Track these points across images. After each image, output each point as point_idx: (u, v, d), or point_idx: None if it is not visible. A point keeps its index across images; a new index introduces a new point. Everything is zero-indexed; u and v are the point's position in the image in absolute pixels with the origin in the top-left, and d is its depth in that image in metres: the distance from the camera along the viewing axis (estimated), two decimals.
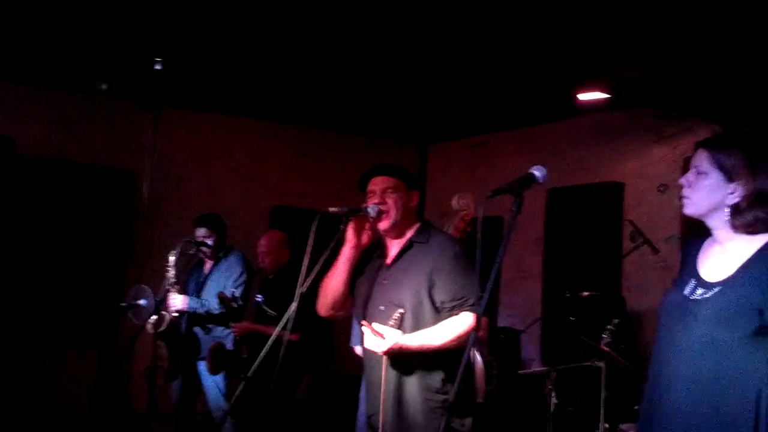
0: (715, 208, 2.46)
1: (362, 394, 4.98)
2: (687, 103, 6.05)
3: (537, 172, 2.50)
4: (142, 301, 5.77)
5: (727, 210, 2.44)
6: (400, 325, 3.19)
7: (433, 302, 3.27)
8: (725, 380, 2.31)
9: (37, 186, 6.92)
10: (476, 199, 4.36)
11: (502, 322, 7.64)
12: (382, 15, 4.83)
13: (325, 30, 5.23)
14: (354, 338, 4.96)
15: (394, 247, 3.45)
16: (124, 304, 5.84)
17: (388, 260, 3.43)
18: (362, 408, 4.93)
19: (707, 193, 2.46)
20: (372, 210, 3.34)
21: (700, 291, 2.45)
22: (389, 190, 3.38)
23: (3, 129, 6.51)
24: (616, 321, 4.94)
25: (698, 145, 2.55)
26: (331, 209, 3.25)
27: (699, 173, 2.48)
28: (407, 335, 3.18)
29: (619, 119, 7.01)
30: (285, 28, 5.27)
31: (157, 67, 5.84)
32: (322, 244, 3.19)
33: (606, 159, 7.18)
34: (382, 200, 3.36)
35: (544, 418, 5.19)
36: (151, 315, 5.22)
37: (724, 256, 2.46)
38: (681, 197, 2.52)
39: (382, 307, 3.30)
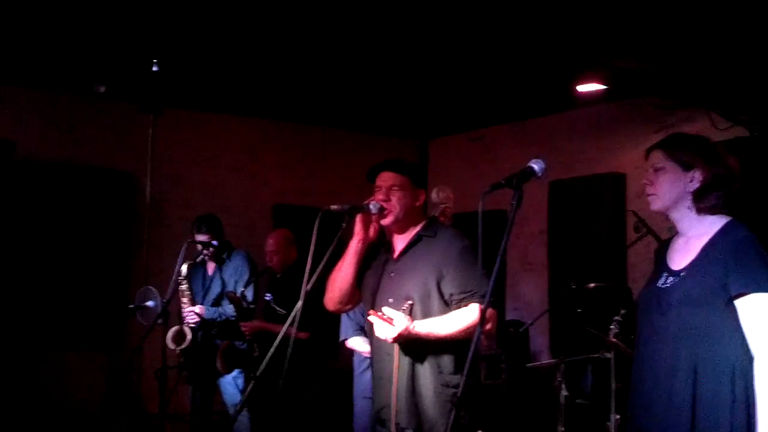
0: (678, 198, 2.66)
1: (357, 391, 4.99)
2: (686, 93, 6.05)
3: (535, 165, 2.51)
4: (149, 303, 5.80)
5: (689, 198, 2.64)
6: (409, 315, 3.20)
7: (441, 294, 3.29)
8: (702, 362, 2.48)
9: (39, 189, 6.92)
10: (477, 192, 4.35)
11: (509, 315, 7.64)
12: (381, 11, 4.82)
13: (323, 27, 5.22)
14: (343, 332, 4.96)
15: (399, 242, 3.46)
16: (132, 306, 5.87)
17: (395, 255, 3.44)
18: (359, 407, 4.94)
19: (669, 186, 2.66)
20: (374, 207, 3.35)
21: (669, 279, 2.64)
22: (395, 188, 3.38)
23: (3, 133, 6.52)
24: (623, 311, 4.92)
25: (650, 149, 2.75)
26: (333, 207, 3.25)
27: (657, 170, 2.69)
28: (416, 321, 3.19)
29: (619, 110, 7.00)
30: (283, 26, 5.27)
31: (155, 68, 5.84)
32: (324, 241, 3.19)
33: (607, 150, 7.17)
34: (386, 197, 3.37)
35: (554, 411, 5.18)
36: (159, 317, 5.24)
37: (687, 245, 2.66)
38: (647, 196, 2.72)
39: (390, 300, 3.31)
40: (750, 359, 2.44)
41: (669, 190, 2.66)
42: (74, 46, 5.81)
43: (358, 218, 3.38)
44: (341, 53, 5.84)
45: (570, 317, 6.30)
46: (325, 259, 3.20)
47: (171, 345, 5.58)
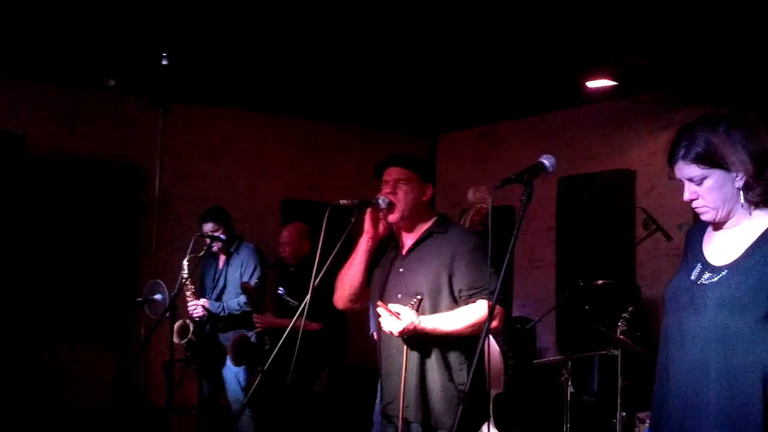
0: (729, 201, 2.39)
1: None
2: (695, 89, 6.02)
3: (546, 161, 2.50)
4: (157, 296, 5.85)
5: (740, 194, 2.37)
6: (417, 310, 3.21)
7: (451, 291, 3.30)
8: (736, 365, 2.28)
9: (48, 183, 6.94)
10: (491, 190, 4.37)
11: (516, 312, 7.63)
12: (390, 5, 4.81)
13: (332, 22, 5.22)
14: (373, 325, 4.97)
15: (407, 238, 3.46)
16: (140, 299, 5.91)
17: (404, 251, 3.44)
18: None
19: (719, 192, 2.39)
20: (382, 201, 3.35)
21: (707, 275, 2.41)
22: (401, 182, 3.38)
23: (13, 126, 6.53)
24: (631, 309, 4.90)
25: (672, 162, 2.47)
26: (342, 202, 3.25)
27: (697, 182, 2.41)
28: (423, 317, 3.19)
29: (628, 106, 6.98)
30: (292, 21, 5.27)
31: (165, 62, 5.85)
32: (333, 236, 3.19)
33: (615, 147, 7.15)
34: (393, 191, 3.36)
35: (560, 408, 5.18)
36: (167, 311, 5.26)
37: (729, 240, 2.42)
38: (696, 210, 2.45)
39: (399, 295, 3.31)
40: None
41: (721, 197, 2.39)
42: (84, 39, 5.81)
43: (367, 215, 3.38)
44: (350, 48, 5.83)
45: (577, 314, 6.29)
46: (334, 253, 3.21)
47: (176, 339, 5.60)
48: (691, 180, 2.42)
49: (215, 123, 7.89)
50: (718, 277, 2.37)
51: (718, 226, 2.47)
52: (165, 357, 5.43)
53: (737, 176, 2.36)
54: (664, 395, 2.44)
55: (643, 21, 4.79)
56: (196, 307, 5.71)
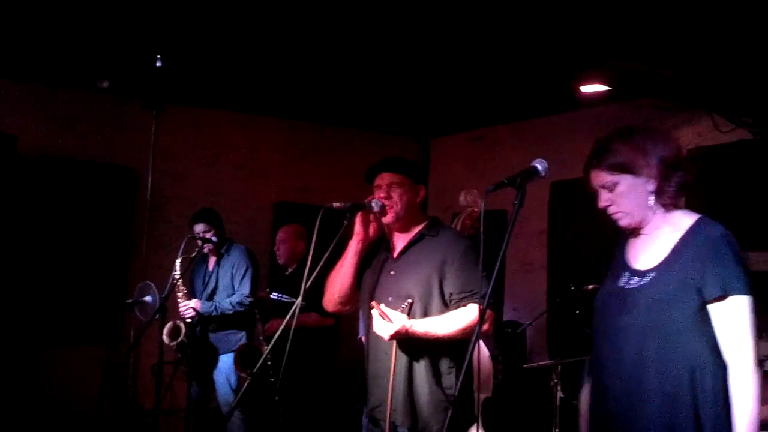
0: (643, 206, 2.52)
1: None
2: (689, 94, 6.03)
3: (539, 165, 2.51)
4: (147, 298, 5.83)
5: (652, 198, 2.49)
6: (408, 313, 3.20)
7: (442, 294, 3.29)
8: (669, 358, 2.39)
9: (40, 184, 6.92)
10: (483, 194, 4.37)
11: (507, 316, 7.63)
12: (383, 8, 4.82)
13: (325, 25, 5.22)
14: (362, 329, 4.95)
15: (399, 240, 3.46)
16: (130, 301, 5.89)
17: (395, 253, 3.44)
18: None
19: (630, 197, 2.52)
20: (375, 205, 3.35)
21: (635, 279, 2.52)
22: (394, 186, 3.39)
23: (5, 127, 6.51)
24: None
25: (586, 171, 2.60)
26: (335, 204, 3.26)
27: (609, 188, 2.55)
28: (414, 320, 3.19)
29: (620, 111, 6.97)
30: (286, 24, 5.27)
31: (158, 64, 5.84)
32: (326, 239, 3.19)
33: None
34: (387, 195, 3.37)
35: (550, 412, 5.18)
36: (157, 313, 5.25)
37: (652, 245, 2.53)
38: (612, 216, 2.58)
39: (390, 298, 3.31)
40: (714, 359, 2.36)
41: (633, 202, 2.52)
42: (77, 40, 5.80)
43: (358, 218, 3.38)
44: (344, 51, 5.83)
45: (568, 319, 6.28)
46: (326, 255, 3.20)
47: (167, 340, 5.59)
48: (604, 187, 2.55)
49: (209, 125, 7.87)
50: (647, 279, 2.48)
51: (638, 233, 2.59)
52: (154, 359, 5.41)
53: (648, 181, 2.48)
54: (606, 386, 2.52)
55: (638, 25, 4.80)
56: (188, 308, 5.70)
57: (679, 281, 2.41)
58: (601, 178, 2.55)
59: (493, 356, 5.58)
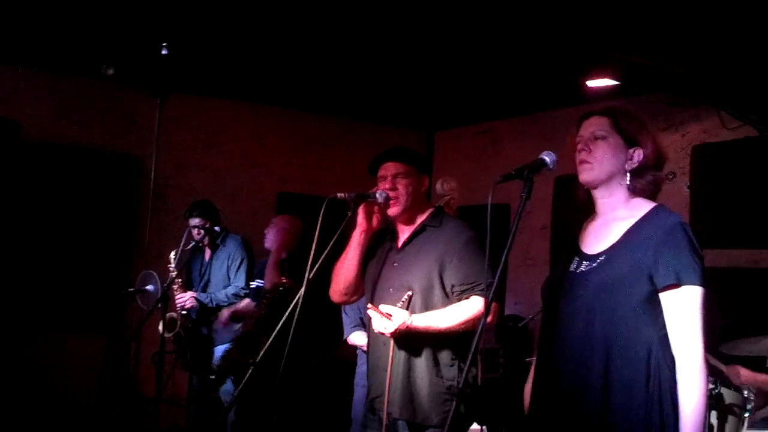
0: (613, 174, 2.46)
1: (357, 380, 4.97)
2: (696, 90, 6.01)
3: (547, 157, 2.48)
4: (149, 287, 5.84)
5: (624, 176, 2.45)
6: (408, 307, 3.19)
7: (443, 286, 3.28)
8: (618, 344, 2.33)
9: (43, 171, 6.91)
10: (482, 185, 4.33)
11: (509, 310, 7.62)
12: (389, 0, 4.80)
13: (331, 16, 5.20)
14: (346, 329, 4.92)
15: (404, 231, 3.45)
16: (132, 290, 5.89)
17: (399, 243, 3.43)
18: (358, 394, 4.92)
19: (609, 157, 2.46)
20: (380, 196, 3.34)
21: (585, 264, 2.47)
22: (400, 176, 3.38)
23: (9, 114, 6.49)
24: None
25: (591, 113, 2.55)
26: (339, 195, 3.25)
27: (597, 138, 2.48)
28: (415, 315, 3.18)
29: (629, 106, 6.95)
30: (292, 14, 5.24)
31: (164, 51, 5.82)
32: (329, 229, 3.18)
33: None
34: (392, 186, 3.36)
35: None
36: (159, 302, 5.24)
37: (606, 228, 2.48)
38: (580, 162, 2.51)
39: (391, 290, 3.31)
40: (665, 349, 2.31)
41: (607, 163, 2.45)
42: (83, 28, 5.78)
43: (361, 208, 3.37)
44: (349, 42, 5.81)
45: None
46: (329, 247, 3.19)
47: (164, 333, 5.57)
48: (593, 135, 2.48)
49: (213, 114, 7.86)
50: (597, 262, 2.43)
51: (595, 216, 2.55)
52: (155, 348, 5.41)
53: (632, 158, 2.45)
54: (554, 362, 2.47)
55: (646, 20, 4.77)
56: (184, 301, 5.69)
57: (629, 266, 2.35)
58: (597, 125, 2.50)
59: (494, 350, 5.57)
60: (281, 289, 5.24)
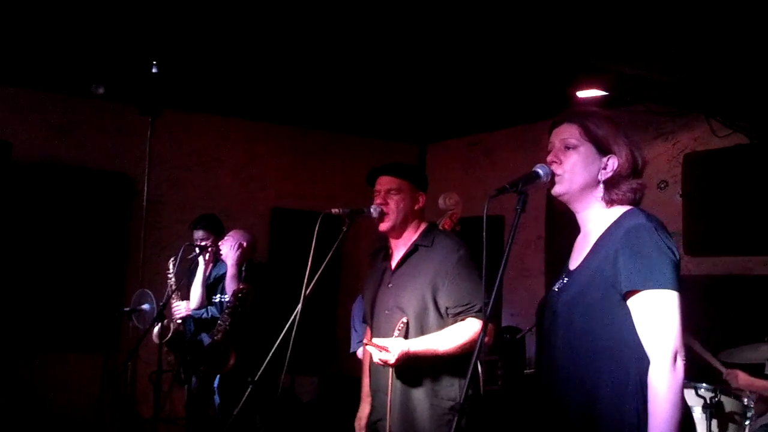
0: (586, 185, 2.37)
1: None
2: (686, 99, 6.03)
3: (540, 170, 2.47)
4: (145, 306, 5.80)
5: (599, 187, 2.37)
6: (405, 334, 3.18)
7: (437, 308, 3.26)
8: (597, 363, 2.23)
9: (35, 190, 6.90)
10: (475, 197, 4.34)
11: (505, 322, 7.61)
12: (380, 14, 4.81)
13: (323, 30, 5.21)
14: (354, 344, 4.93)
15: (398, 249, 3.44)
16: (127, 309, 5.86)
17: (393, 264, 3.41)
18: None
19: (581, 168, 2.36)
20: (374, 210, 3.34)
21: (565, 281, 2.41)
22: (393, 192, 3.36)
23: (0, 134, 6.48)
24: None
25: (559, 121, 2.44)
26: (333, 210, 3.24)
27: (568, 147, 2.38)
28: (412, 340, 3.17)
29: (618, 116, 6.97)
30: (282, 29, 5.26)
31: (154, 70, 5.82)
32: (323, 245, 3.17)
33: None
34: (384, 201, 3.34)
35: None
36: (156, 321, 5.21)
37: (584, 242, 2.41)
38: (553, 176, 2.40)
39: (387, 311, 3.30)
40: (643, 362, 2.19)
41: (580, 173, 2.34)
42: (73, 46, 5.78)
43: None
44: (340, 57, 5.83)
45: None
46: (324, 263, 3.19)
47: (155, 339, 5.53)
48: (565, 144, 2.39)
49: (205, 131, 7.86)
50: (570, 278, 2.38)
51: (579, 229, 2.46)
52: (153, 367, 5.38)
53: (605, 167, 2.35)
54: (544, 385, 2.39)
55: (635, 30, 4.79)
56: (180, 311, 5.68)
57: (588, 277, 2.27)
58: (568, 133, 2.39)
59: (492, 362, 5.56)
60: (239, 295, 5.22)
